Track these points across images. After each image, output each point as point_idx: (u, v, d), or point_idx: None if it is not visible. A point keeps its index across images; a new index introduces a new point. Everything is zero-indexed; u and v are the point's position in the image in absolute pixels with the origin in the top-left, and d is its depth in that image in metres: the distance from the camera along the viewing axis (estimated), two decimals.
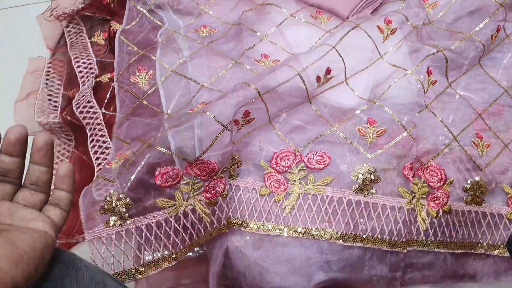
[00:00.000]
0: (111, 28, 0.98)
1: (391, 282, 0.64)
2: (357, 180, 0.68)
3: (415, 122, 0.76)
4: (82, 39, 1.03)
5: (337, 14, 0.91)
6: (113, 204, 0.59)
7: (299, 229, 0.65)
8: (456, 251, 0.68)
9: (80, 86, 0.94)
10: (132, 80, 0.87)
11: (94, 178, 0.67)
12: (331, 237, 0.64)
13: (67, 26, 1.06)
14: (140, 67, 0.87)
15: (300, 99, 0.78)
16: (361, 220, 0.65)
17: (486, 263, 0.69)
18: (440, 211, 0.68)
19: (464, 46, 0.83)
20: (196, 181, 0.64)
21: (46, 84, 0.98)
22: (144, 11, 0.95)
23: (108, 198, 0.60)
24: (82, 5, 1.05)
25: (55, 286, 0.38)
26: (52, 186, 0.45)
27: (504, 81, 0.86)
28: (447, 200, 0.69)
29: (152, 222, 0.61)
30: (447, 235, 0.67)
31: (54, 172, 0.49)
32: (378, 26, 0.82)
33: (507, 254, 0.68)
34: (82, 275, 0.41)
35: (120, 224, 0.59)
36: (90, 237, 0.58)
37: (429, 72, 0.81)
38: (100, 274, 0.43)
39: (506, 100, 0.84)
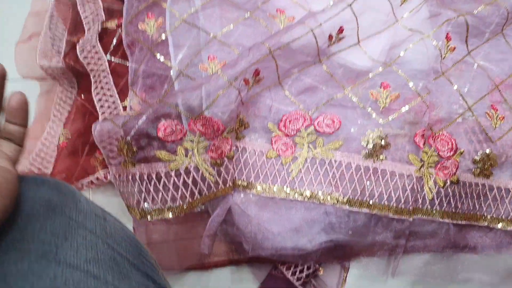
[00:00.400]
0: None
1: (394, 249, 0.63)
2: (367, 145, 0.66)
3: (430, 89, 0.72)
4: None
5: None
6: (122, 147, 0.58)
7: (305, 193, 0.64)
8: (459, 222, 0.66)
9: (86, 32, 0.90)
10: (140, 28, 0.82)
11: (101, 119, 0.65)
12: (337, 202, 0.62)
13: None
14: (150, 14, 0.82)
15: (312, 57, 0.74)
16: (369, 186, 0.63)
17: (488, 235, 0.68)
18: (448, 181, 0.66)
19: (488, 11, 0.78)
20: (200, 139, 0.62)
21: (50, 28, 0.93)
22: None
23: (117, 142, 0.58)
24: None
25: (55, 213, 0.36)
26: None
27: None
28: (456, 171, 0.67)
29: (153, 173, 0.59)
30: (453, 205, 0.65)
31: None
32: None
33: (510, 228, 0.67)
34: (82, 206, 0.38)
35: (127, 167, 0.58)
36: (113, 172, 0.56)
37: (448, 38, 0.77)
38: (100, 209, 0.41)
39: None
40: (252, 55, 0.66)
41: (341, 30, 0.74)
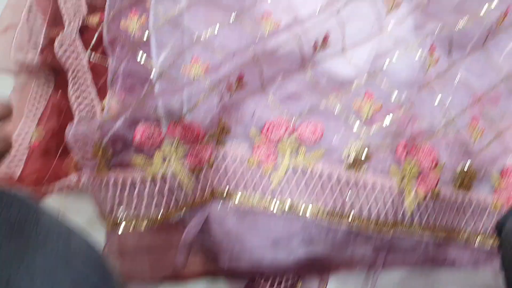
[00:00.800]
0: None
1: (374, 263, 0.62)
2: (349, 156, 0.64)
3: (413, 100, 0.71)
4: None
5: None
6: (97, 151, 0.54)
7: (285, 203, 0.61)
8: (438, 236, 0.65)
9: (65, 27, 0.85)
10: (122, 25, 0.78)
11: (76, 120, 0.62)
12: (317, 214, 0.61)
13: None
14: (133, 12, 0.79)
15: (297, 64, 0.72)
16: (349, 197, 0.62)
17: (466, 251, 0.67)
18: (429, 193, 0.65)
19: (471, 25, 0.77)
20: (179, 144, 0.59)
21: (28, 20, 0.88)
22: None
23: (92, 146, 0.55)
24: None
25: (12, 233, 0.32)
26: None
27: (506, 68, 0.81)
28: (437, 184, 0.66)
29: (128, 179, 0.56)
30: (433, 218, 0.65)
31: None
32: None
33: (488, 242, 0.66)
34: (44, 223, 0.34)
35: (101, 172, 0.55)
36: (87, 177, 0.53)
37: (432, 49, 0.76)
38: (65, 226, 0.37)
39: (504, 88, 0.80)
40: (236, 60, 0.64)
41: (326, 38, 0.72)
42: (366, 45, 0.76)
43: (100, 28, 0.82)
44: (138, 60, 0.74)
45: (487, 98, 0.78)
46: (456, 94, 0.76)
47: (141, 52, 0.75)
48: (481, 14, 0.77)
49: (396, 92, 0.71)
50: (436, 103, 0.73)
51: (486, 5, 0.77)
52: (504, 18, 0.78)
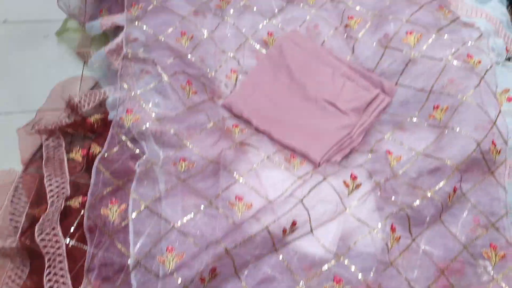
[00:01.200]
0: (90, 150, 0.96)
1: None
2: None
3: (380, 281, 0.74)
4: (59, 154, 1.00)
5: (309, 159, 0.92)
6: None
7: None
8: None
9: (48, 206, 0.89)
10: (103, 213, 0.82)
11: None
12: None
13: (47, 139, 1.02)
14: (113, 200, 0.83)
15: (268, 248, 0.76)
16: None
17: None
18: None
19: (425, 203, 0.84)
20: None
21: (12, 201, 0.92)
22: (127, 140, 0.93)
23: None
24: (66, 119, 1.03)
25: None
26: None
27: (463, 237, 0.86)
28: None
29: None
30: None
31: None
32: (344, 181, 0.84)
33: None
34: None
35: None
36: None
37: (393, 229, 0.81)
38: None
39: (465, 257, 0.83)
40: (209, 256, 0.66)
41: (294, 223, 0.78)
42: (332, 225, 0.81)
43: (81, 212, 0.85)
44: (116, 248, 0.76)
45: (452, 269, 0.81)
46: (421, 268, 0.79)
47: (119, 239, 0.77)
48: (433, 193, 0.84)
49: (362, 274, 0.74)
50: (402, 280, 0.75)
51: (437, 185, 0.85)
52: (453, 194, 0.86)
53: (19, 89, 1.12)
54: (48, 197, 0.91)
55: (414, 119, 0.95)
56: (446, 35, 0.98)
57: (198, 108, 0.98)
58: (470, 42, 0.97)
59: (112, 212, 0.81)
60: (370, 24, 1.05)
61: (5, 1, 1.27)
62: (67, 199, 0.88)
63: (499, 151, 0.89)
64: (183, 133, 0.94)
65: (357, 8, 1.09)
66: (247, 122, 0.99)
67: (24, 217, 0.91)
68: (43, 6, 1.22)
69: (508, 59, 1.09)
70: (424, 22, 1.00)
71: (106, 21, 1.01)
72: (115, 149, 0.92)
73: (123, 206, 0.82)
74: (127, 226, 0.79)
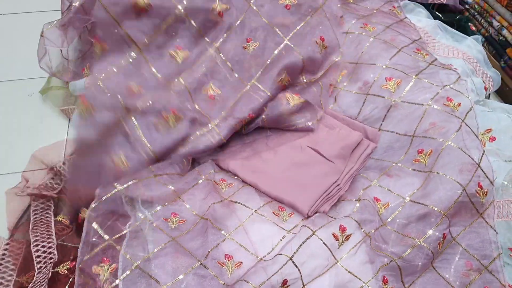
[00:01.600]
0: (80, 214, 0.94)
1: None
2: None
3: None
4: (47, 217, 0.98)
5: (297, 210, 0.92)
6: None
7: None
8: None
9: (36, 273, 0.87)
10: (94, 271, 0.80)
11: None
12: None
13: (35, 200, 1.01)
14: (105, 258, 0.82)
15: None
16: None
17: None
18: None
19: (415, 253, 0.83)
20: None
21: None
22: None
23: None
24: (52, 181, 1.02)
25: None
26: None
27: (457, 282, 0.85)
28: None
29: None
30: None
31: None
32: (333, 234, 0.83)
33: None
34: None
35: None
36: None
37: (385, 281, 0.80)
38: None
39: None
40: None
41: (285, 282, 0.76)
42: (324, 279, 0.80)
43: (71, 278, 0.83)
44: None
45: None
46: None
47: None
48: (422, 241, 0.84)
49: None
50: None
51: (425, 233, 0.84)
52: (443, 241, 0.86)
53: (3, 150, 1.11)
54: (35, 263, 0.89)
55: (400, 164, 0.95)
56: (425, 79, 0.99)
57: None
58: (449, 85, 0.98)
59: (103, 270, 0.79)
60: (349, 72, 1.06)
61: None
62: (55, 264, 0.86)
63: (486, 193, 0.89)
64: (180, 189, 0.93)
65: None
66: (234, 175, 0.98)
67: (11, 285, 0.89)
68: (26, 65, 1.22)
69: (488, 96, 1.11)
70: (403, 66, 1.02)
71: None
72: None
73: (114, 266, 0.80)
74: (117, 286, 0.77)
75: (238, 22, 1.03)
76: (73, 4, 0.94)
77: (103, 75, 0.90)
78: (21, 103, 1.18)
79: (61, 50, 1.02)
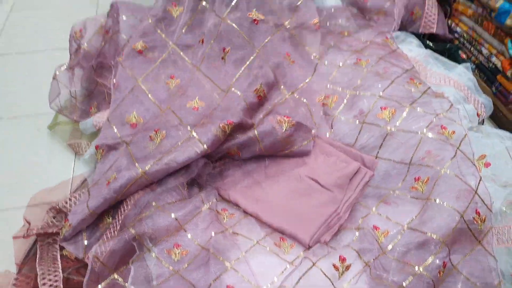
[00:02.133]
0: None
1: None
2: None
3: None
4: (53, 252, 0.99)
5: (298, 241, 0.92)
6: None
7: None
8: None
9: None
10: None
11: None
12: None
13: (40, 237, 1.01)
14: None
15: None
16: None
17: None
18: None
19: (416, 281, 0.82)
20: None
21: None
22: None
23: None
24: (52, 220, 1.02)
25: None
26: None
27: None
28: None
29: None
30: None
31: None
32: (333, 264, 0.82)
33: None
34: None
35: None
36: None
37: None
38: None
39: None
40: None
41: None
42: None
43: None
44: None
45: None
46: None
47: None
48: (423, 269, 0.83)
49: None
50: None
51: (425, 261, 0.84)
52: (444, 269, 0.85)
53: (12, 185, 1.12)
54: None
55: (397, 192, 0.95)
56: (418, 108, 1.00)
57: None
58: (442, 113, 0.99)
59: None
60: (345, 101, 1.08)
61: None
62: None
63: (484, 220, 0.88)
64: (182, 219, 0.93)
65: (332, 86, 1.12)
66: (235, 205, 0.99)
67: None
68: (35, 100, 1.26)
69: (482, 122, 1.12)
70: (397, 96, 1.03)
71: (98, 119, 1.04)
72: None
73: None
74: None
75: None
76: (82, 47, 0.98)
77: None
78: (30, 139, 1.21)
79: (69, 90, 1.05)
